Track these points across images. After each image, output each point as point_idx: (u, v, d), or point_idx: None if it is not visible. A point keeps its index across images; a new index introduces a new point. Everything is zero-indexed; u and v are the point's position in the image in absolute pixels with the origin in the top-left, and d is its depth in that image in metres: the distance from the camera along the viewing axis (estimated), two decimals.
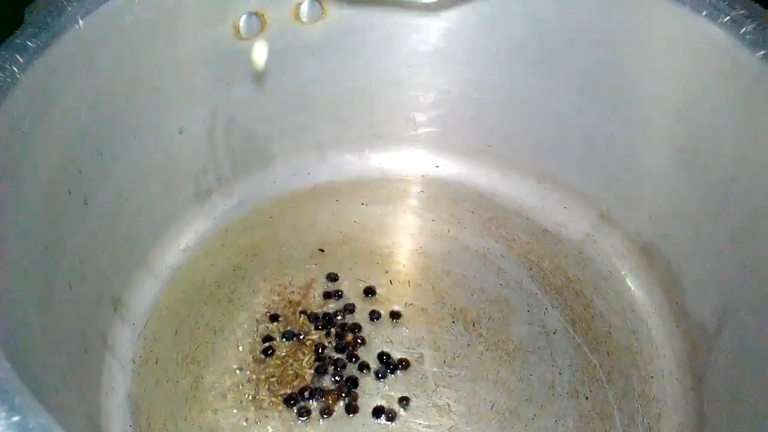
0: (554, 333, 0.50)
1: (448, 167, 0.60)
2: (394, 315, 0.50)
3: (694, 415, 0.45)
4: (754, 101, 0.43)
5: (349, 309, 0.50)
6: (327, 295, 0.51)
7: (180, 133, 0.49)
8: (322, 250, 0.53)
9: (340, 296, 0.51)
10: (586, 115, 0.53)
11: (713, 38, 0.44)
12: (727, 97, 0.45)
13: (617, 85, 0.51)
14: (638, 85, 0.49)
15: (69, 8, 0.39)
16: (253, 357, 0.47)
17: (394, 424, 0.45)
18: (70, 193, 0.40)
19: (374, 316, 0.50)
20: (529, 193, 0.58)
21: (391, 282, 0.53)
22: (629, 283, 0.53)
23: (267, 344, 0.48)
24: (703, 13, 0.44)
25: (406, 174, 0.60)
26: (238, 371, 0.47)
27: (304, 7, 0.51)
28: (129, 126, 0.45)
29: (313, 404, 0.45)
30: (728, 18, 0.43)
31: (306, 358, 0.47)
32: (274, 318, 0.49)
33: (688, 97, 0.47)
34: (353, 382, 0.46)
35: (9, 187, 0.34)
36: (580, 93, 0.53)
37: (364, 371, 0.47)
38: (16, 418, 0.22)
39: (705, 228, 0.47)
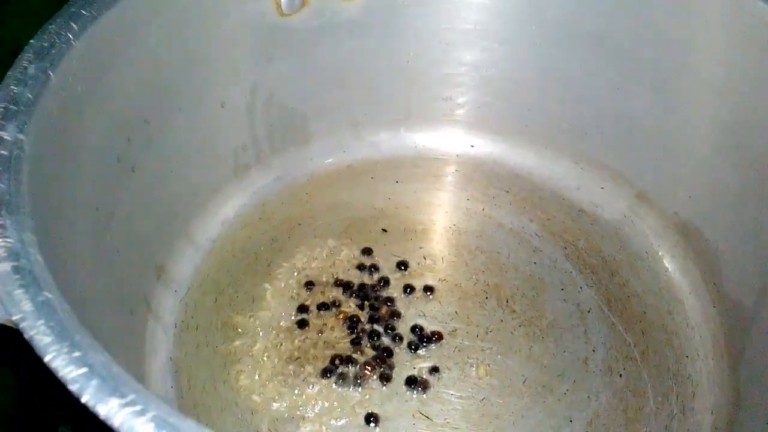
0: (588, 311, 0.50)
1: (484, 146, 0.60)
2: (428, 289, 0.51)
3: (731, 395, 0.45)
4: None
5: (384, 282, 0.51)
6: (362, 269, 0.52)
7: (222, 107, 0.50)
8: (385, 230, 0.54)
9: (376, 270, 0.52)
10: (625, 93, 0.53)
11: (759, 13, 0.43)
12: None
13: (658, 63, 0.50)
14: (680, 63, 0.49)
15: None
16: (289, 326, 0.49)
17: (426, 394, 0.46)
18: (118, 159, 0.41)
19: (408, 289, 0.51)
20: (565, 173, 0.58)
21: (425, 258, 0.53)
22: (666, 264, 0.53)
23: (303, 314, 0.49)
24: None
25: (442, 153, 0.60)
26: (275, 339, 0.48)
27: None
28: (174, 97, 0.46)
29: (348, 373, 0.46)
30: None
31: (341, 329, 0.48)
32: (309, 289, 0.50)
33: (733, 75, 0.46)
34: (388, 353, 0.47)
35: (63, 150, 0.36)
36: (619, 71, 0.52)
37: (398, 342, 0.48)
38: (77, 354, 0.24)
39: (745, 207, 0.46)
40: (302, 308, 0.49)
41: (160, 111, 0.45)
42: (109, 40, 0.39)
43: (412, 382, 0.46)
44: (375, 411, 0.45)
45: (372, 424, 0.44)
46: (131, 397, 0.23)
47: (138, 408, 0.23)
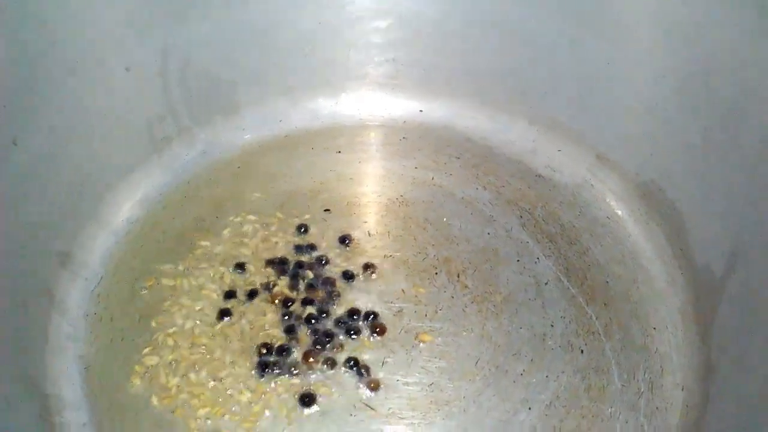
0: (546, 283, 0.46)
1: (433, 111, 0.55)
2: (371, 267, 0.46)
3: (700, 367, 0.41)
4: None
5: (322, 262, 0.46)
6: (298, 249, 0.47)
7: (127, 71, 0.44)
8: (328, 210, 0.49)
9: (313, 249, 0.47)
10: (581, 46, 0.48)
11: None
12: (738, 17, 0.40)
13: (615, 10, 0.46)
14: (638, 8, 0.44)
15: None
16: (216, 314, 0.43)
17: (370, 379, 0.41)
18: None
19: (349, 268, 0.46)
20: (520, 136, 0.53)
21: (369, 233, 0.48)
22: (629, 229, 0.48)
23: (231, 300, 0.44)
24: None
25: (387, 119, 0.55)
26: (199, 330, 0.43)
27: None
28: (63, 59, 0.40)
29: (282, 362, 0.41)
30: None
31: (273, 315, 0.43)
32: (239, 272, 0.45)
33: (693, 18, 0.42)
34: (327, 338, 0.42)
35: None
36: (574, 22, 0.48)
37: (338, 327, 0.43)
38: None
39: (713, 162, 0.42)
40: (230, 294, 0.44)
41: (45, 75, 0.39)
42: None
43: (354, 368, 0.41)
44: (312, 393, 0.40)
45: (306, 409, 0.39)
46: None
47: None
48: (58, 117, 0.41)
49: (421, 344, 0.43)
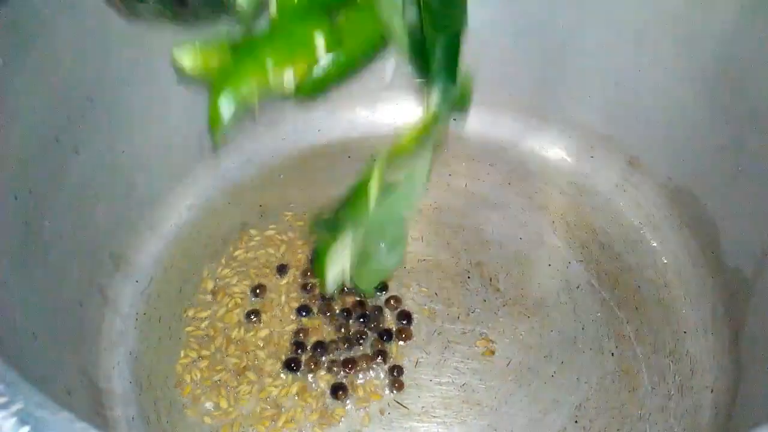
0: (578, 288, 0.46)
1: (466, 119, 0.56)
2: (406, 270, 0.47)
3: (731, 370, 0.41)
4: None
5: None
6: None
7: (177, 84, 0.47)
8: None
9: None
10: (610, 51, 0.49)
11: None
12: (762, 21, 0.40)
13: (643, 13, 0.46)
14: (666, 11, 0.45)
15: None
16: (257, 314, 0.46)
17: (403, 379, 0.42)
18: (58, 140, 0.39)
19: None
20: (552, 143, 0.54)
21: None
22: (661, 234, 0.49)
23: (272, 301, 0.46)
24: None
25: None
26: (241, 329, 0.45)
27: None
28: (120, 73, 0.43)
29: (317, 361, 0.43)
30: None
31: (310, 317, 0.45)
32: (281, 275, 0.47)
33: (723, 20, 0.42)
34: (361, 338, 0.44)
35: None
36: (603, 26, 0.49)
37: (373, 328, 0.45)
38: None
39: (743, 165, 0.42)
40: (269, 295, 0.46)
41: (103, 88, 0.42)
42: (36, 10, 0.36)
43: (387, 368, 0.43)
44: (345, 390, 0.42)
45: (340, 406, 0.41)
46: None
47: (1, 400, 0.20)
48: (116, 127, 0.43)
49: (454, 345, 0.44)
